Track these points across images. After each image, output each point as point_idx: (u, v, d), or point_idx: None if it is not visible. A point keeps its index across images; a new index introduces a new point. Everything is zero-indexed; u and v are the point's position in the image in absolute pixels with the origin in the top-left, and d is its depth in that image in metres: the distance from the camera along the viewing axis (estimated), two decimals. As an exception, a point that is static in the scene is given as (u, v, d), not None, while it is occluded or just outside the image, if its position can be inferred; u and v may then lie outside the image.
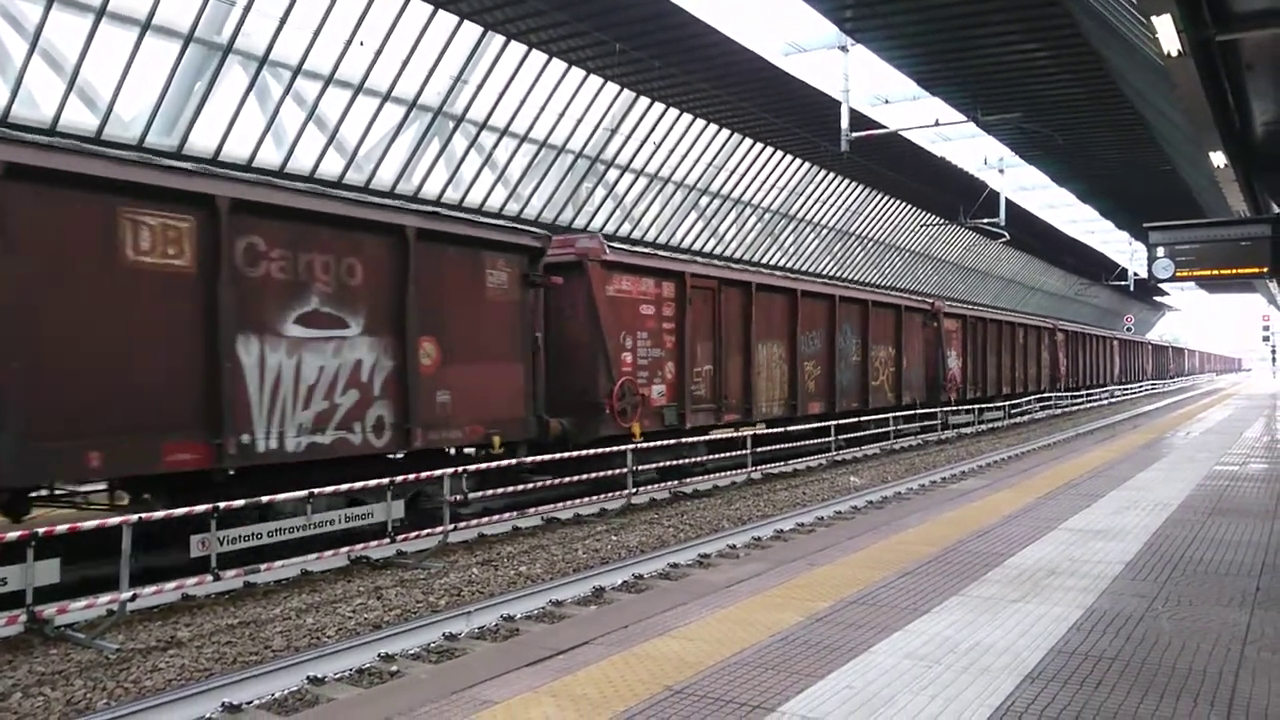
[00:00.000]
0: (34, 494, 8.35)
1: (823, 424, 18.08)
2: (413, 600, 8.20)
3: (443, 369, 10.43)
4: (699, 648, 4.40)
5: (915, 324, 22.84)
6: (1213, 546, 6.70)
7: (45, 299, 7.40)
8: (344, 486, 8.97)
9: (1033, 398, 30.98)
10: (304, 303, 9.09)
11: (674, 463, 14.00)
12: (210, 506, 7.68)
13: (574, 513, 12.20)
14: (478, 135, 21.30)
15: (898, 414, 21.05)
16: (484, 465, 10.73)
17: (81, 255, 7.60)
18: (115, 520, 7.10)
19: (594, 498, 12.86)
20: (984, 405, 26.63)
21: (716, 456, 15.24)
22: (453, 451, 11.26)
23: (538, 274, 11.69)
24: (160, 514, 7.55)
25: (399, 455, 10.30)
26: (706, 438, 15.20)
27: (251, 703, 5.91)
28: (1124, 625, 4.71)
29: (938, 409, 23.39)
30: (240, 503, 7.99)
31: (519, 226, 12.16)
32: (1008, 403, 28.44)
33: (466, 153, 21.51)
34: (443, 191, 21.51)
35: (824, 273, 37.26)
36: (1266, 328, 53.50)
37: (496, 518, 11.09)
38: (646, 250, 15.27)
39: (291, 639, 7.17)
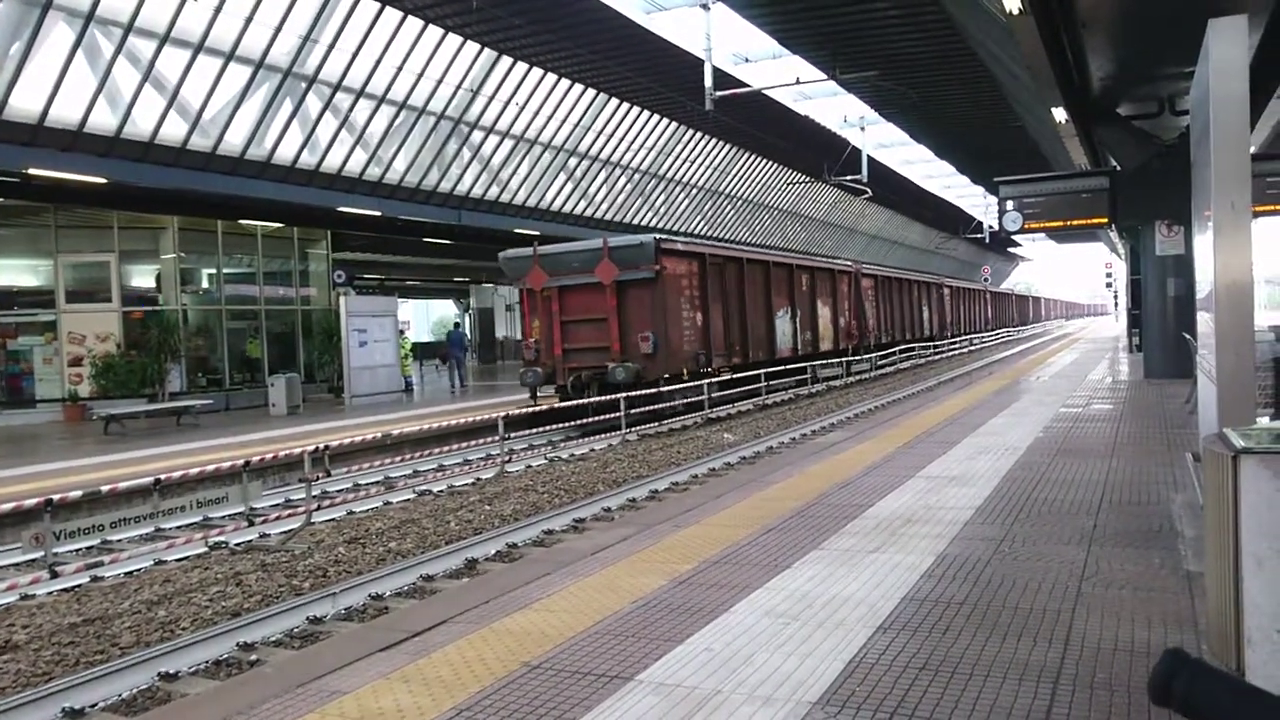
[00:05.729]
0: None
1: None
2: (275, 585, 7.89)
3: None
4: (560, 619, 4.34)
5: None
6: (1057, 487, 7.03)
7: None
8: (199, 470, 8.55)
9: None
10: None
11: None
12: (43, 500, 7.19)
13: (447, 484, 11.99)
14: (332, 96, 20.45)
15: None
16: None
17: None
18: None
19: (467, 468, 12.70)
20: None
21: None
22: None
23: None
24: (9, 505, 7.00)
25: None
26: None
27: (96, 705, 5.57)
28: (972, 570, 4.87)
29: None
30: (77, 494, 7.52)
31: None
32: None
33: (321, 115, 20.63)
34: (297, 156, 20.61)
35: (694, 232, 37.52)
36: (1109, 274, 56.65)
37: (364, 494, 10.79)
38: None
39: (142, 634, 6.80)
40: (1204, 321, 5.15)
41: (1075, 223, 16.09)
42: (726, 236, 39.86)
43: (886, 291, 32.34)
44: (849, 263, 31.11)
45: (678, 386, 17.79)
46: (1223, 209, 4.21)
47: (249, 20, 17.25)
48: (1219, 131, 4.23)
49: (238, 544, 9.18)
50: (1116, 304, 55.11)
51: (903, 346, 32.79)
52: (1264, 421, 4.96)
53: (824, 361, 25.39)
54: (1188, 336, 10.69)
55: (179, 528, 9.90)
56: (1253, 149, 13.01)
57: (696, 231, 37.63)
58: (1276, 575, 2.26)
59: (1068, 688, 3.34)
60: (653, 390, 17.20)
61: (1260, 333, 6.16)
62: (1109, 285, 57.10)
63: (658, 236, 17.45)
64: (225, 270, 23.12)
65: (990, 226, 52.74)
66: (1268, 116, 15.76)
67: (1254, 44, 11.81)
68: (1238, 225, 4.20)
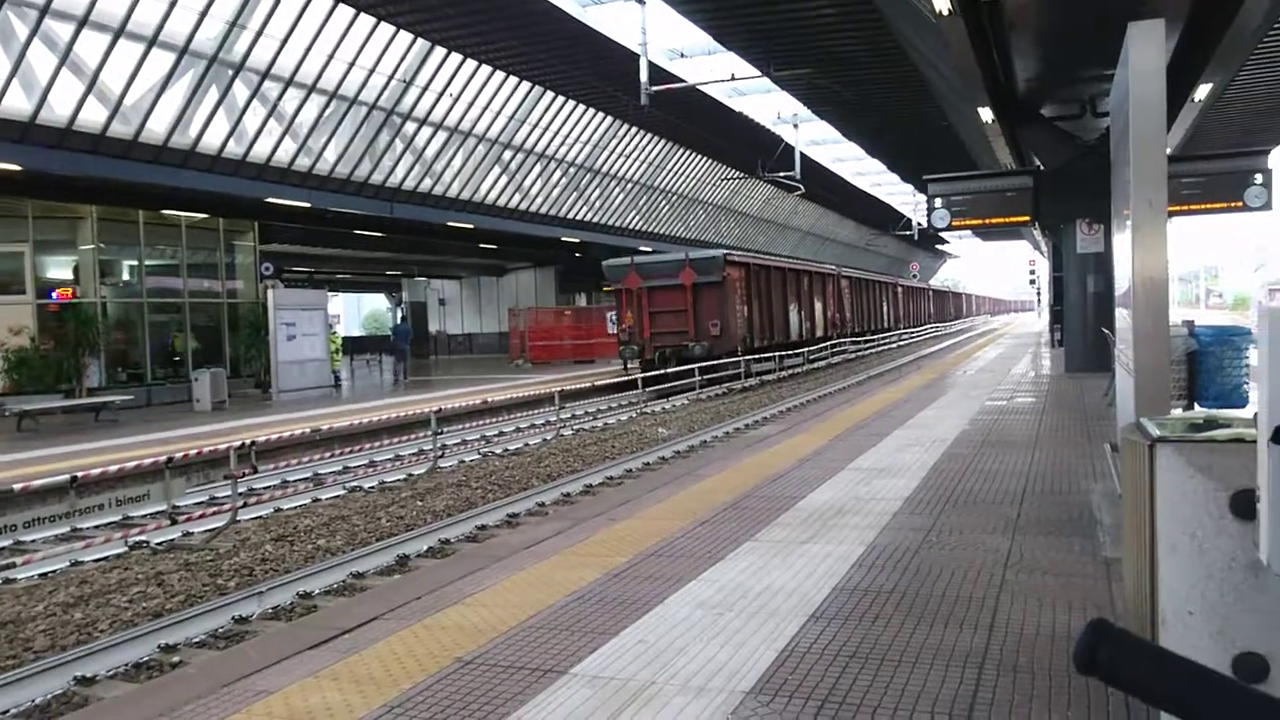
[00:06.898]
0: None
1: None
2: (198, 585, 7.69)
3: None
4: (493, 614, 4.30)
5: None
6: (982, 478, 7.19)
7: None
8: (113, 467, 8.28)
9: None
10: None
11: None
12: (-48, 499, 6.90)
13: (379, 480, 11.81)
14: (260, 84, 19.96)
15: None
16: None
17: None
18: None
19: (399, 463, 12.54)
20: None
21: None
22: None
23: None
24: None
25: None
26: None
27: (8, 711, 5.38)
28: (901, 559, 4.96)
29: None
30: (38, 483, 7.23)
31: None
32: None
33: (248, 103, 20.12)
34: (224, 145, 20.08)
35: (628, 227, 37.54)
36: (1033, 271, 58.01)
37: (292, 491, 10.58)
38: None
39: (57, 637, 6.57)
40: (1122, 317, 5.31)
41: (1000, 220, 16.48)
42: (661, 232, 40.01)
43: (857, 290, 37.69)
44: (832, 266, 36.26)
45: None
46: (1141, 208, 4.33)
47: (172, 4, 16.74)
48: (1137, 133, 4.35)
49: (159, 543, 8.93)
50: (1039, 300, 56.52)
51: (833, 342, 33.31)
52: (1178, 412, 5.13)
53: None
54: (1107, 332, 11.02)
55: (97, 527, 9.59)
56: (1169, 150, 13.47)
57: (630, 227, 37.69)
58: (1189, 560, 2.34)
59: (993, 672, 3.42)
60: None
61: (1175, 328, 6.38)
62: (1032, 282, 58.50)
63: (725, 252, 25.01)
64: (147, 262, 22.42)
65: (919, 224, 53.68)
66: (1183, 118, 16.31)
67: (1171, 48, 12.21)
68: (1155, 224, 4.32)
